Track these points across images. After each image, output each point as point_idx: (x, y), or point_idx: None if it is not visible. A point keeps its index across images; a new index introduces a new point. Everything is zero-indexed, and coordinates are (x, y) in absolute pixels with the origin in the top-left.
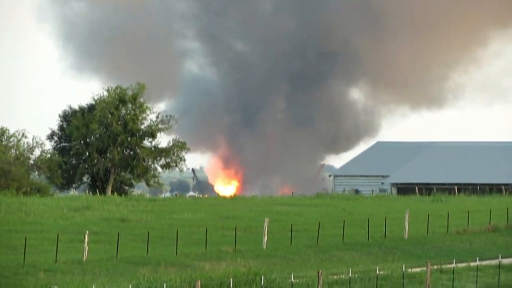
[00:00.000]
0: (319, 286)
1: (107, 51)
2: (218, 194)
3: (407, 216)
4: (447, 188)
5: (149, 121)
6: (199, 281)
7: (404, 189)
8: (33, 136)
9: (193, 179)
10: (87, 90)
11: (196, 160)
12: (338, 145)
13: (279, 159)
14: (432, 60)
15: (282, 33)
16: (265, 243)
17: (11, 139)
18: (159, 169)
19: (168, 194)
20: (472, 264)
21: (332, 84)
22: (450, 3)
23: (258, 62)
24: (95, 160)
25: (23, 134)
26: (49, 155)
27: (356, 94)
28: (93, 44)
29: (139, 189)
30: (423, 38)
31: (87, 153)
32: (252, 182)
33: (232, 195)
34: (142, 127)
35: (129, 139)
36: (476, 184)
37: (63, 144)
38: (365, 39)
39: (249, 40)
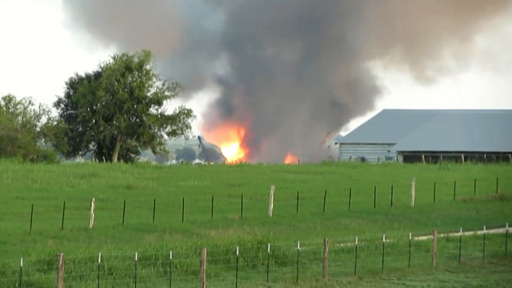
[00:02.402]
0: (325, 254)
1: (116, 18)
2: (225, 160)
3: (413, 184)
4: (453, 156)
5: (155, 88)
6: (205, 248)
7: (411, 157)
8: (40, 103)
9: (199, 146)
10: (93, 58)
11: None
12: (345, 109)
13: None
14: (439, 28)
15: None
16: (271, 211)
17: (18, 106)
18: (165, 137)
19: (174, 162)
20: (479, 232)
21: (339, 30)
22: None
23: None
24: (101, 128)
25: (29, 102)
26: (55, 123)
27: (368, 64)
28: (102, 11)
29: (145, 156)
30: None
31: (94, 121)
32: (257, 139)
33: (238, 161)
34: (148, 94)
35: (135, 106)
36: (482, 152)
37: (70, 111)
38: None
39: None
